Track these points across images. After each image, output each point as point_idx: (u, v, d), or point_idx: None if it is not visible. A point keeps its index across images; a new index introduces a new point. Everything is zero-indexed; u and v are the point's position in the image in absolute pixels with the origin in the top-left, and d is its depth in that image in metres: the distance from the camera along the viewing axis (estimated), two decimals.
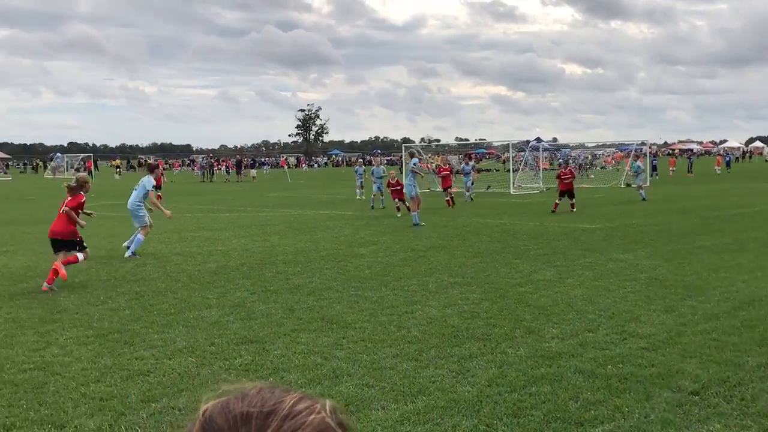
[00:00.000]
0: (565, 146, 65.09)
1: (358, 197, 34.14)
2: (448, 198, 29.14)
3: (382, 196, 28.50)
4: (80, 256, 12.51)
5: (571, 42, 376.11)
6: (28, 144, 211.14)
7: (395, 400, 6.35)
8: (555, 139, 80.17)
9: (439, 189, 42.15)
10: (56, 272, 11.73)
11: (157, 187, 35.97)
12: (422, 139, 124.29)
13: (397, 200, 24.44)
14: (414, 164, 23.31)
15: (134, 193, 16.20)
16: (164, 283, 12.32)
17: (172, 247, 17.30)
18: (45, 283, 11.81)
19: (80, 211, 12.61)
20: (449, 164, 31.08)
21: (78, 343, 8.50)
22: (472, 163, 35.68)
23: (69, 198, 12.55)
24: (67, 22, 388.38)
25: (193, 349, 8.16)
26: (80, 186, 12.89)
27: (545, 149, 54.68)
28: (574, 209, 24.83)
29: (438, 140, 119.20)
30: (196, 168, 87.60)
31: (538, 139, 58.09)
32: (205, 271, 13.55)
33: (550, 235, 18.36)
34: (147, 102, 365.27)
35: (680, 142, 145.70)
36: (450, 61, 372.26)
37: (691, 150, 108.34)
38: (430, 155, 55.69)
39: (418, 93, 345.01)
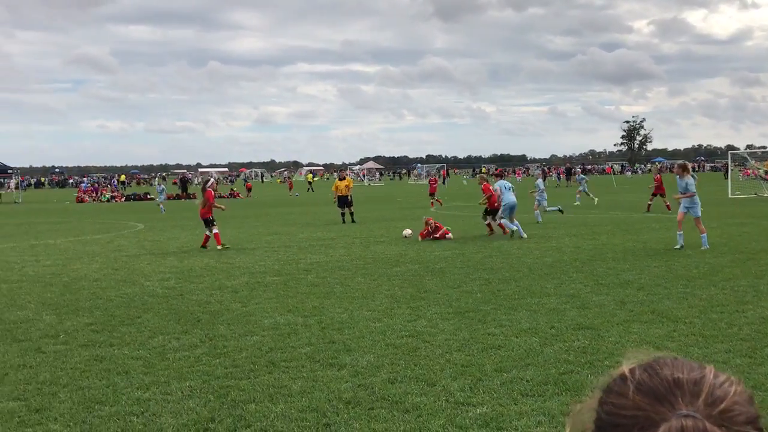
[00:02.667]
0: None
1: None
2: None
3: (536, 209, 23.99)
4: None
5: None
6: (395, 156, 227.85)
7: None
8: None
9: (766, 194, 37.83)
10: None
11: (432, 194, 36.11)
12: (747, 146, 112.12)
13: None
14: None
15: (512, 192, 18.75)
16: (508, 273, 12.56)
17: (512, 242, 17.55)
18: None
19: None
20: None
21: (441, 318, 9.00)
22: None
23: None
24: (424, 56, 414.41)
25: (535, 330, 8.22)
26: None
27: None
28: None
29: (764, 147, 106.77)
30: (517, 175, 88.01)
31: None
32: (543, 264, 13.55)
33: None
34: (487, 119, 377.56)
35: None
36: None
37: None
38: (755, 161, 50.06)
39: (741, 102, 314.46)
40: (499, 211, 18.63)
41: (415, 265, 13.79)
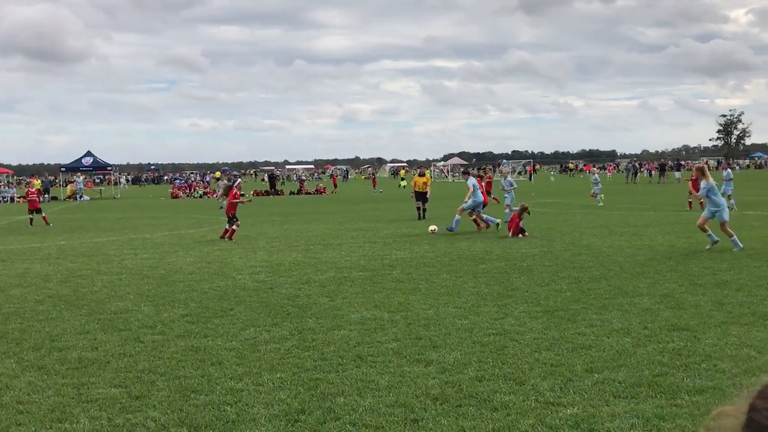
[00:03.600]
0: None
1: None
2: None
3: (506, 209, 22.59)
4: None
5: None
6: (480, 152, 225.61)
7: None
8: None
9: None
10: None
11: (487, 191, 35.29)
12: None
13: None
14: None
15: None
16: (598, 271, 12.25)
17: (603, 240, 17.13)
18: None
19: None
20: None
21: (529, 316, 8.87)
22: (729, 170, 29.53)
23: None
24: (508, 51, 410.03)
25: (628, 330, 7.99)
26: None
27: None
28: None
29: None
30: (608, 171, 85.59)
31: None
32: (635, 263, 13.16)
33: None
34: (575, 114, 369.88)
35: None
36: None
37: None
38: None
39: None
40: (468, 206, 19.68)
41: (501, 263, 13.65)
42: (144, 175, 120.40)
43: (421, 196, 25.72)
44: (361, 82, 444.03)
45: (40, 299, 10.94)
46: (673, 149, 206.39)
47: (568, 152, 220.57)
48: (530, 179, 74.34)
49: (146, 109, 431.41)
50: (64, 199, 54.32)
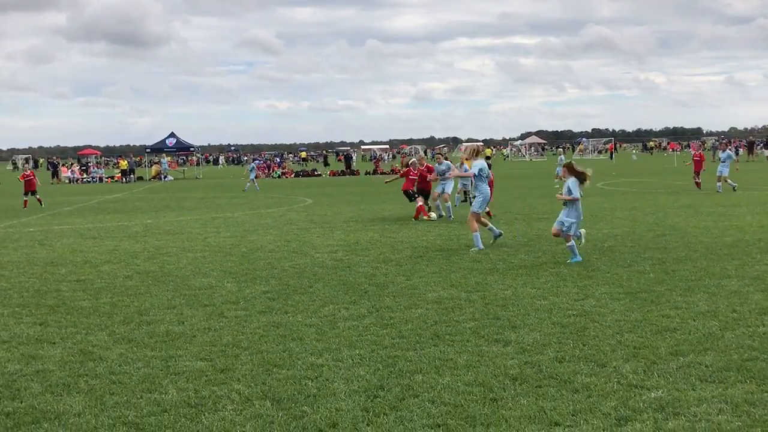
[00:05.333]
0: None
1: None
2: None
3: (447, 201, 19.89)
4: None
5: None
6: (558, 131, 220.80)
7: None
8: None
9: None
10: None
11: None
12: None
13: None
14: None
15: None
16: (683, 253, 11.86)
17: (688, 220, 16.57)
18: None
19: None
20: None
21: (611, 297, 8.68)
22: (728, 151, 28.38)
23: None
24: (586, 26, 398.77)
25: (715, 313, 7.72)
26: None
27: None
28: None
29: None
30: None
31: None
32: (722, 244, 12.67)
33: None
34: (657, 90, 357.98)
35: None
36: None
37: None
38: None
39: None
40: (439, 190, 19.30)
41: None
42: (228, 156, 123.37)
43: None
44: (434, 60, 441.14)
45: (129, 275, 11.39)
46: (764, 126, 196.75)
47: (651, 130, 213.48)
48: (611, 158, 72.44)
49: (225, 91, 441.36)
50: (150, 180, 56.23)
